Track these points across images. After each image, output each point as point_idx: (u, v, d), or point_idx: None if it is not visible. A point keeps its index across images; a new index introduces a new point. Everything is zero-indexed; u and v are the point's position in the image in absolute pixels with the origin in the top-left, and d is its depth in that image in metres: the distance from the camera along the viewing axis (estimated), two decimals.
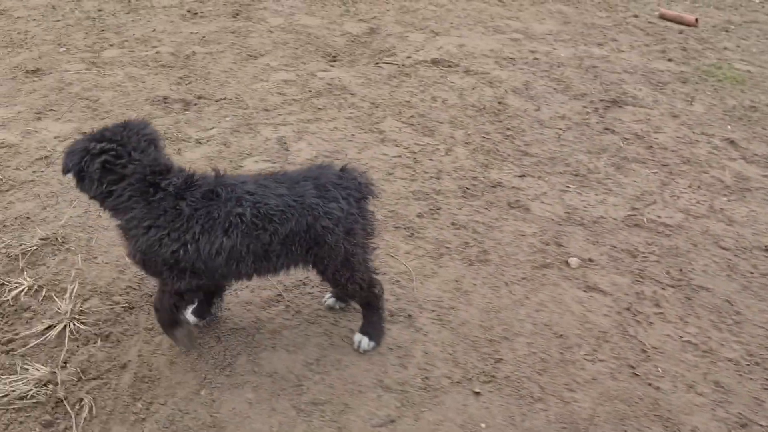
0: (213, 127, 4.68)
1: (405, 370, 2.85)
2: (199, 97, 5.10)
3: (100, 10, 6.71)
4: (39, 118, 4.75)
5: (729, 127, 5.04)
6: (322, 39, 6.24)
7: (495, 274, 3.44)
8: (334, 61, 5.86)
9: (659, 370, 2.93)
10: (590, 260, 3.58)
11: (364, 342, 2.91)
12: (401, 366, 2.87)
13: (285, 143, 4.48)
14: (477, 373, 2.87)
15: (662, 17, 7.33)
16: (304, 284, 3.28)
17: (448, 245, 3.63)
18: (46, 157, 4.26)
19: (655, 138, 4.81)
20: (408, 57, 5.90)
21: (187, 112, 4.87)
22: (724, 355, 3.03)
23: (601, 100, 5.30)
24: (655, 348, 3.06)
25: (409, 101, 5.14)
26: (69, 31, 6.20)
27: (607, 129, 4.91)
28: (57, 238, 3.40)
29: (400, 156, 4.43)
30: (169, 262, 2.46)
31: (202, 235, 2.42)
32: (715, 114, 5.22)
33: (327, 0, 7.19)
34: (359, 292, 2.79)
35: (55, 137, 4.50)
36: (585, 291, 3.37)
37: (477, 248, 3.61)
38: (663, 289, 3.42)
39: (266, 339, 2.95)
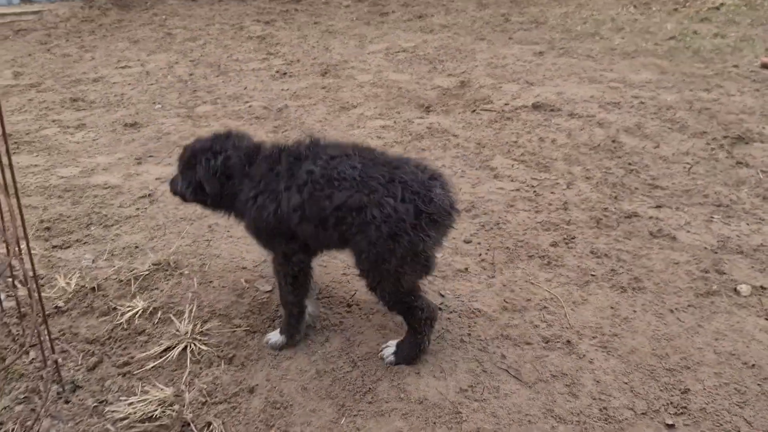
0: None
1: (576, 400, 2.44)
2: None
3: (191, 74, 6.90)
4: (139, 163, 4.72)
5: None
6: (414, 92, 6.19)
7: (654, 301, 3.04)
8: (428, 111, 5.76)
9: None
10: (763, 288, 3.14)
11: (387, 352, 2.62)
12: (571, 395, 2.46)
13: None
14: (664, 404, 2.42)
15: (764, 66, 7.05)
16: (440, 309, 2.95)
17: (593, 273, 3.26)
18: (149, 195, 4.17)
19: None
20: (506, 104, 5.75)
21: None
22: None
23: (725, 137, 4.96)
24: None
25: (516, 141, 4.93)
26: (163, 92, 6.35)
27: (739, 163, 4.55)
28: (169, 263, 3.21)
29: (518, 190, 4.16)
30: (271, 225, 2.49)
31: (286, 192, 2.45)
32: None
33: (413, 60, 7.23)
34: (392, 307, 2.52)
35: (156, 179, 4.44)
36: (767, 319, 2.92)
37: (627, 276, 3.23)
38: None
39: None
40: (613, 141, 4.91)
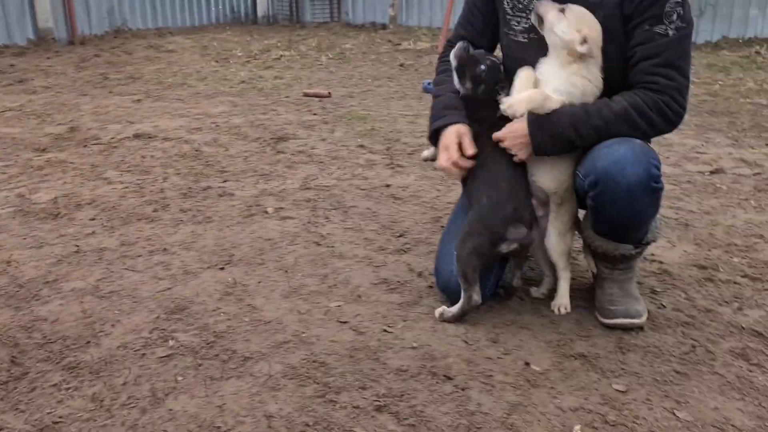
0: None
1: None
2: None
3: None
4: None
5: (359, 140, 7.70)
6: (28, 139, 7.50)
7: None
8: (44, 151, 7.16)
9: (331, 241, 4.95)
10: (281, 208, 5.56)
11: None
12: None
13: None
14: (218, 261, 4.53)
15: (305, 95, 10.19)
16: None
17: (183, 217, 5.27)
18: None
19: (312, 150, 7.20)
20: (112, 138, 7.53)
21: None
22: (368, 228, 5.20)
23: (271, 138, 7.58)
24: (329, 234, 5.07)
25: (123, 160, 6.74)
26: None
27: (279, 152, 7.15)
28: None
29: (130, 188, 5.97)
30: None
31: None
32: (349, 135, 7.89)
33: (21, 117, 8.44)
34: None
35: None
36: (280, 220, 5.31)
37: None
38: (329, 211, 5.53)
39: None
40: (196, 150, 7.11)
